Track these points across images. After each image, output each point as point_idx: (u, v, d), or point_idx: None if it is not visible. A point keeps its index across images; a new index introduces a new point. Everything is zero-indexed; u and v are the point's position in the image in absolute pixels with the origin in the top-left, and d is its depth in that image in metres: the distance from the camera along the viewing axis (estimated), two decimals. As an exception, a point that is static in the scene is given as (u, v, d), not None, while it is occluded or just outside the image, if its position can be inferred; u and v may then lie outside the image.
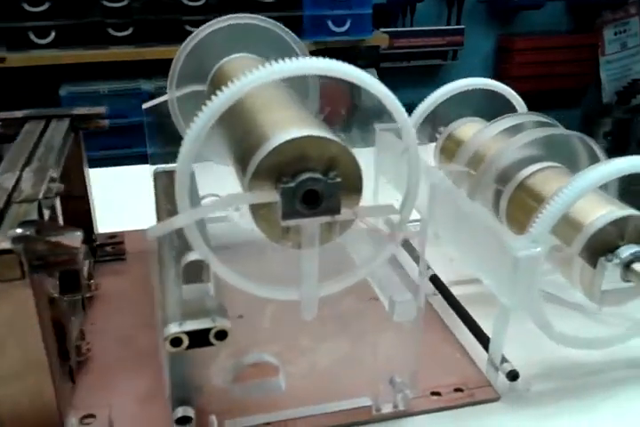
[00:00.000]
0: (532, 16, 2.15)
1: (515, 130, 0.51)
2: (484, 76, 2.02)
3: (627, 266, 0.40)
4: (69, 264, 0.31)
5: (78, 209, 0.54)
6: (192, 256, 0.32)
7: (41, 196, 0.36)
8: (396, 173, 0.55)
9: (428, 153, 0.61)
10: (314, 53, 1.50)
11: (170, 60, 0.50)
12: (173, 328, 0.33)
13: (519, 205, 0.47)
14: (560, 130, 0.49)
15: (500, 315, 0.40)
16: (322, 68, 0.31)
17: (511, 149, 0.47)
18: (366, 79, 0.32)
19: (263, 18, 0.51)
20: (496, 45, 2.19)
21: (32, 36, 1.50)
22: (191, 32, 0.49)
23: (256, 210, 0.32)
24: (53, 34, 1.51)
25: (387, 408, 0.40)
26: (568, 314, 0.49)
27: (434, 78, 2.15)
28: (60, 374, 0.36)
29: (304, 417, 0.39)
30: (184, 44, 0.49)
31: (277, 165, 0.32)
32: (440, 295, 0.50)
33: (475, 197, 0.48)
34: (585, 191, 0.38)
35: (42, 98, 1.56)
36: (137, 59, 1.57)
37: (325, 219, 0.33)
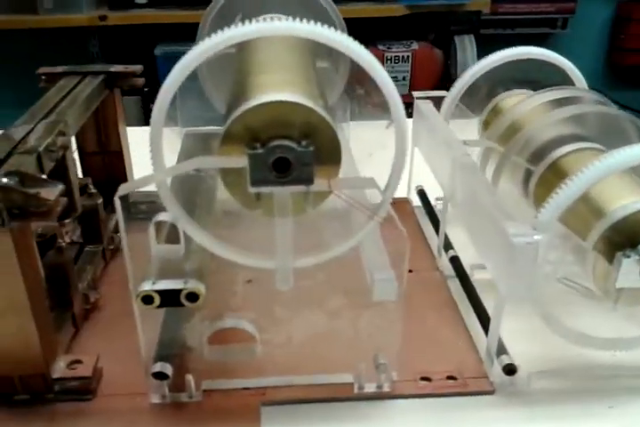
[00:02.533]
0: (660, -19, 1.94)
1: (557, 105, 0.46)
2: (597, 48, 1.89)
3: (647, 264, 0.35)
4: (46, 216, 0.32)
5: (115, 164, 0.56)
6: (161, 216, 0.32)
7: (42, 148, 0.37)
8: (429, 145, 0.52)
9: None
10: (408, 17, 1.43)
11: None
12: (146, 286, 0.34)
13: (547, 189, 0.43)
14: (605, 109, 0.44)
15: (497, 303, 0.38)
16: (298, 30, 0.30)
17: (544, 125, 0.43)
18: (348, 44, 0.30)
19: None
20: (613, 14, 2.01)
21: (132, -4, 1.55)
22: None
23: (225, 175, 0.32)
24: (151, -6, 1.56)
25: (370, 388, 0.39)
26: (598, 311, 0.45)
27: (540, 48, 2.01)
28: (46, 318, 0.38)
29: (284, 386, 0.39)
30: (210, 6, 0.48)
31: (248, 129, 0.31)
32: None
33: (500, 175, 0.44)
34: (600, 177, 0.34)
35: (139, 56, 1.62)
36: (229, 20, 1.59)
37: (297, 188, 0.32)
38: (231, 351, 0.38)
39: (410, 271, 0.51)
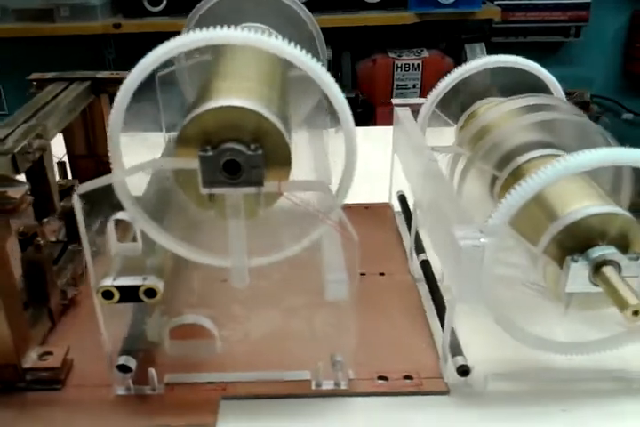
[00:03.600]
0: (677, -11, 1.93)
1: (527, 111, 0.47)
2: (611, 57, 1.89)
3: (596, 268, 0.36)
4: (11, 213, 0.34)
5: (102, 167, 0.58)
6: (119, 215, 0.34)
7: (17, 150, 0.39)
8: (404, 151, 0.53)
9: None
10: (419, 25, 1.45)
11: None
12: (106, 282, 0.36)
13: (510, 194, 0.44)
14: (572, 117, 0.45)
15: (449, 305, 0.39)
16: (236, 38, 0.31)
17: (510, 130, 0.44)
18: (294, 53, 0.32)
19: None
20: (628, 23, 1.99)
21: (146, 4, 1.59)
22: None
23: (178, 176, 0.33)
24: (165, 2, 1.59)
25: (328, 385, 0.40)
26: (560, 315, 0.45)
27: (553, 56, 2.00)
28: (18, 311, 0.39)
29: (244, 382, 0.40)
30: (192, 13, 0.50)
31: (200, 133, 0.32)
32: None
33: (465, 178, 0.45)
34: (549, 183, 0.35)
35: (152, 63, 1.65)
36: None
37: (247, 190, 0.33)
38: (192, 346, 0.39)
39: (382, 274, 0.53)
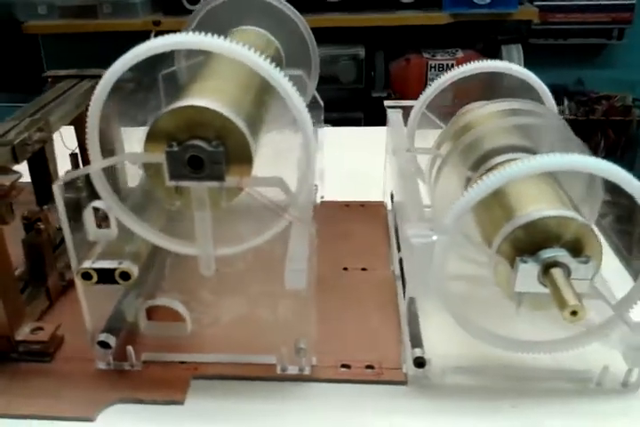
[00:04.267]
0: None
1: (507, 115, 0.48)
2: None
3: (545, 270, 0.37)
4: (2, 198, 0.38)
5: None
6: (96, 203, 0.37)
7: (17, 142, 0.43)
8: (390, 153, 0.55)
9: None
10: (456, 26, 1.46)
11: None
12: (85, 264, 0.39)
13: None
14: (544, 121, 0.46)
15: (408, 298, 0.40)
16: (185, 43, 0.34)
17: (482, 133, 0.46)
18: (249, 55, 0.34)
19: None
20: (675, 24, 1.93)
21: (184, 2, 1.64)
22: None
23: (147, 169, 0.36)
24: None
25: (292, 370, 0.43)
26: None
27: (594, 59, 1.96)
28: (13, 288, 0.43)
29: (214, 363, 0.43)
30: (193, 14, 0.53)
31: (167, 129, 0.35)
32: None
33: (439, 178, 0.47)
34: (499, 184, 0.36)
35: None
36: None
37: (210, 184, 0.36)
38: (165, 327, 0.42)
39: (364, 270, 0.55)
